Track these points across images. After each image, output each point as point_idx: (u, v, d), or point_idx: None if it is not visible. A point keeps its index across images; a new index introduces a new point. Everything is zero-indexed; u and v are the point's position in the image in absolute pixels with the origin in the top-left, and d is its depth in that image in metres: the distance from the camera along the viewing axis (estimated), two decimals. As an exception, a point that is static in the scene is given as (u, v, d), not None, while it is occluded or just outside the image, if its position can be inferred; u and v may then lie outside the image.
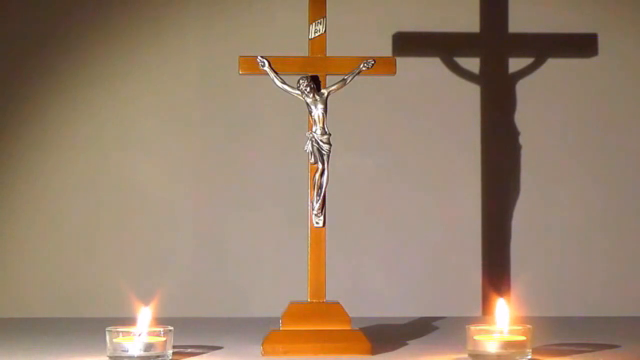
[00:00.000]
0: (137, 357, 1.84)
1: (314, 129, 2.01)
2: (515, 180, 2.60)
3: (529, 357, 1.87)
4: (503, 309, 1.94)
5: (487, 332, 1.90)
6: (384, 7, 2.63)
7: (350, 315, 1.99)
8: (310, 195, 2.02)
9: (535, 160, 2.61)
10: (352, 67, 2.03)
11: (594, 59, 2.63)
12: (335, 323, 1.98)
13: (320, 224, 2.02)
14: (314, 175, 2.02)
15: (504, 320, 1.92)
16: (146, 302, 1.98)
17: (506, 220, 2.60)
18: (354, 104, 2.53)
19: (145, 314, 1.91)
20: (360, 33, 2.59)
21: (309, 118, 2.02)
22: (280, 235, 2.59)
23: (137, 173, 2.60)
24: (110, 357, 1.86)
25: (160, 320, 1.95)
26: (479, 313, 2.56)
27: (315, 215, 2.02)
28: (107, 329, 1.88)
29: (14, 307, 2.56)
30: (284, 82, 2.03)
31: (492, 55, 2.62)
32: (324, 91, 2.02)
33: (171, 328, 1.89)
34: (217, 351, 2.01)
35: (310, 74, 2.03)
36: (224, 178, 2.61)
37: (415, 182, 2.62)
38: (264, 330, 2.00)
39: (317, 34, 2.05)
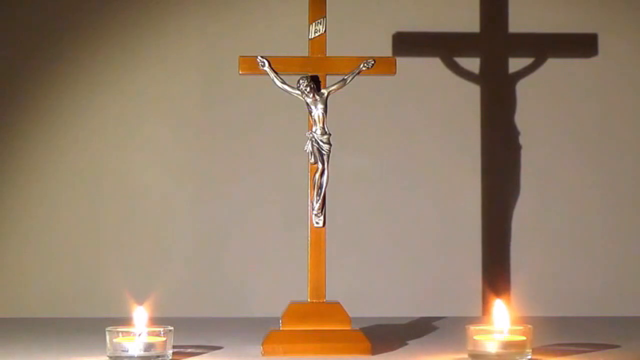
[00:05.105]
0: (137, 357, 1.84)
1: (314, 129, 2.01)
2: (515, 180, 2.60)
3: (529, 357, 1.87)
4: (500, 310, 1.94)
5: (487, 332, 1.90)
6: (384, 7, 2.63)
7: (350, 315, 1.99)
8: (310, 195, 2.02)
9: (535, 160, 2.61)
10: (352, 67, 2.03)
11: (594, 59, 2.63)
12: (335, 323, 1.98)
13: (320, 224, 2.02)
14: (314, 175, 2.02)
15: (503, 320, 1.92)
16: (143, 302, 1.99)
17: (506, 220, 2.59)
18: (354, 104, 2.53)
19: (139, 314, 1.91)
20: (360, 33, 2.59)
21: (309, 118, 2.02)
22: (280, 235, 2.59)
23: (137, 173, 2.60)
24: (110, 357, 1.86)
25: (160, 320, 1.95)
26: (479, 313, 2.56)
27: (315, 215, 2.02)
28: (107, 329, 1.88)
29: (14, 307, 2.56)
30: (284, 82, 2.03)
31: (492, 55, 2.62)
32: (324, 91, 2.02)
33: (171, 328, 1.89)
34: (217, 351, 2.01)
35: (310, 74, 2.03)
36: (223, 178, 2.61)
37: (415, 182, 2.62)
38: (264, 330, 2.00)
39: (317, 34, 2.05)
